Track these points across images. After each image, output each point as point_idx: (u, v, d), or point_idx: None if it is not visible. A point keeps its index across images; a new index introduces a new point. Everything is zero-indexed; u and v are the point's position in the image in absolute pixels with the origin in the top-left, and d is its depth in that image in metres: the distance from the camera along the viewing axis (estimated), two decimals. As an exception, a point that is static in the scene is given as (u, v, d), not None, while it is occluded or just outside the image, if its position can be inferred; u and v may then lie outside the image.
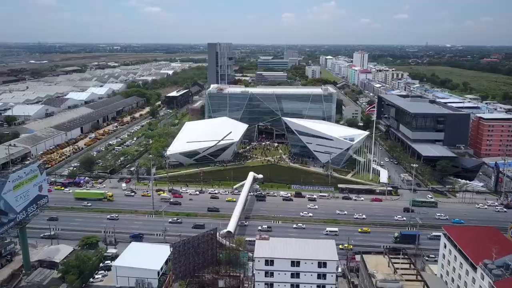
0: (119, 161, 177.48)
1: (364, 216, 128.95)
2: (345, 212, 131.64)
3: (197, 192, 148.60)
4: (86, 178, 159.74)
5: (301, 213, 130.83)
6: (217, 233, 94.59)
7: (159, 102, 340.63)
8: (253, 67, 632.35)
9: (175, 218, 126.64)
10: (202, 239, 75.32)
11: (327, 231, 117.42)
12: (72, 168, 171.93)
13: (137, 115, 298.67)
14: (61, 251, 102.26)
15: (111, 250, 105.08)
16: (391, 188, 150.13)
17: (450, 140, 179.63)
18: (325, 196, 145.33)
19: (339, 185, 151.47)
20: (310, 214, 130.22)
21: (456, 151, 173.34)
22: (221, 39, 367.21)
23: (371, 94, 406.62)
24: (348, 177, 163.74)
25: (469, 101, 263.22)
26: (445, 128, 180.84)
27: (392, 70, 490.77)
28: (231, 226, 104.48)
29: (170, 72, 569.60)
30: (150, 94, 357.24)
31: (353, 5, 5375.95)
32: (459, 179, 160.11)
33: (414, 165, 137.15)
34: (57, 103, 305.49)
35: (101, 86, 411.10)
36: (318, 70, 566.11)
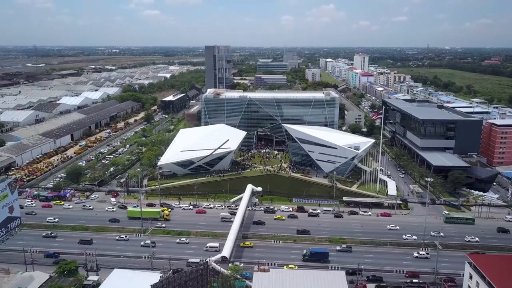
0: (108, 171, 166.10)
1: (477, 239, 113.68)
2: (442, 234, 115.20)
3: (191, 207, 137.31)
4: (72, 191, 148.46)
5: (404, 236, 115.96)
6: (209, 262, 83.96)
7: (155, 107, 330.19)
8: (252, 70, 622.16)
9: (49, 232, 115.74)
10: (190, 276, 64.37)
11: (207, 246, 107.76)
12: (58, 179, 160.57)
13: (131, 120, 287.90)
14: (36, 279, 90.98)
15: (92, 278, 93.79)
16: (400, 202, 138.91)
17: (461, 148, 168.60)
18: (330, 210, 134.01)
19: (345, 199, 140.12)
20: (415, 237, 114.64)
21: (468, 160, 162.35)
22: (220, 42, 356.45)
23: (373, 97, 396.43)
24: (354, 188, 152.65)
25: (477, 105, 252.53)
26: (456, 135, 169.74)
27: (394, 73, 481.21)
28: (226, 251, 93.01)
29: (168, 75, 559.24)
30: (145, 98, 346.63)
31: (352, 7, 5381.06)
32: (472, 191, 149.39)
33: (429, 179, 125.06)
34: (49, 108, 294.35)
35: (96, 90, 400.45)
36: (318, 73, 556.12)
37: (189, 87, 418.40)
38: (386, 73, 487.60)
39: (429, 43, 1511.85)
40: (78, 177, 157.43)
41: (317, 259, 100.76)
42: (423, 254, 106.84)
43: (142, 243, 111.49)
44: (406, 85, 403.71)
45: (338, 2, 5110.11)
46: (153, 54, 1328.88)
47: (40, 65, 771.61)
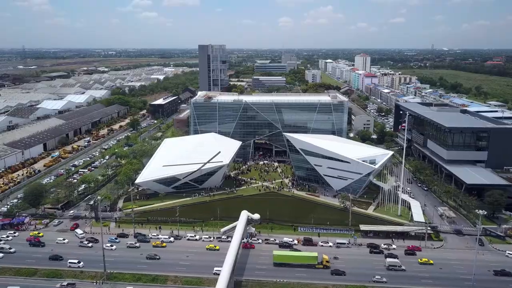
0: (76, 191, 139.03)
1: None
2: None
3: (172, 238, 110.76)
4: (28, 217, 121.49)
5: None
6: None
7: (144, 111, 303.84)
8: (249, 72, 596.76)
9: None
10: None
11: None
12: (15, 201, 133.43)
13: (116, 126, 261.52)
14: None
15: None
16: (430, 230, 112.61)
17: (494, 161, 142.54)
18: (344, 244, 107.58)
19: (362, 227, 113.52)
20: None
21: (506, 176, 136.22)
22: (217, 43, 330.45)
23: (379, 100, 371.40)
24: (370, 211, 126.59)
25: (501, 109, 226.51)
26: (488, 145, 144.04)
27: (399, 74, 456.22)
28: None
29: (161, 77, 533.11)
30: (133, 101, 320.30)
31: (350, 9, 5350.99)
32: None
33: (481, 211, 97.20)
34: (25, 114, 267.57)
35: (83, 93, 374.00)
36: (319, 74, 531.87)
37: (182, 89, 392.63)
38: (391, 74, 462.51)
39: (425, 44, 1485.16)
40: (39, 198, 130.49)
41: None
42: None
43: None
44: (413, 87, 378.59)
45: (336, 4, 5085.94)
46: (149, 56, 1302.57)
47: (32, 67, 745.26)
